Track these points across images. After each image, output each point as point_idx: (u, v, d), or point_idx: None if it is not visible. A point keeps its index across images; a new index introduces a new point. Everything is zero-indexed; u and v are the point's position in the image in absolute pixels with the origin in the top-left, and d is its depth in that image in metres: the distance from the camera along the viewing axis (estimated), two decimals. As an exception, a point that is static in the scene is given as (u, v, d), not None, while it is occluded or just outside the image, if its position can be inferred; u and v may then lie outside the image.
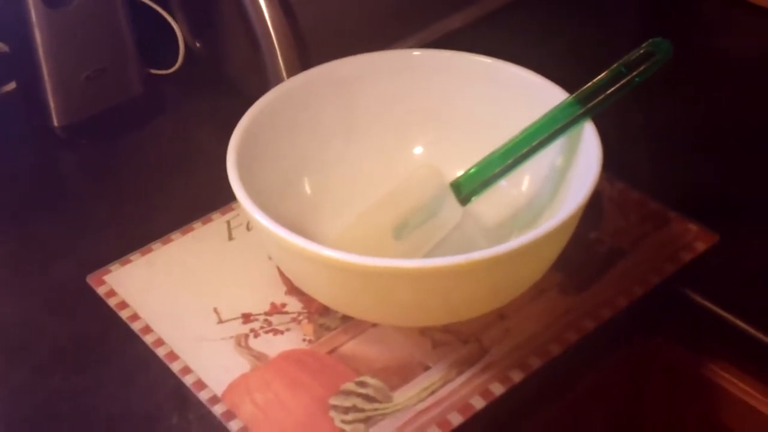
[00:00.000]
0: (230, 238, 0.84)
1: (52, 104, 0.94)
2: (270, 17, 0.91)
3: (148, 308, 0.78)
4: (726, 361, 0.81)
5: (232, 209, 0.86)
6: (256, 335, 0.75)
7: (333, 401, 0.70)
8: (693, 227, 0.83)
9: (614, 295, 0.78)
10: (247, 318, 0.77)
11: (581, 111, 0.75)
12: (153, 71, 1.03)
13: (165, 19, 1.04)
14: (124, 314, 0.77)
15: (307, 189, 0.83)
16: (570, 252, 0.73)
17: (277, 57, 0.92)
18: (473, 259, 0.64)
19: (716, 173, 0.90)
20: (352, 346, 0.74)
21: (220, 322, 0.76)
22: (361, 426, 0.69)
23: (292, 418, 0.69)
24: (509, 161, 0.76)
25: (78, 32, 0.93)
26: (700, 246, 0.81)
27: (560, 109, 0.75)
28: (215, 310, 0.77)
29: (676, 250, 0.81)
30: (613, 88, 0.75)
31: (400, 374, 0.72)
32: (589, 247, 0.81)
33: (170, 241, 0.84)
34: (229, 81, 1.01)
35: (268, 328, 0.76)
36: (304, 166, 0.83)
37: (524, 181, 0.81)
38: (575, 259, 0.78)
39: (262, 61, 0.93)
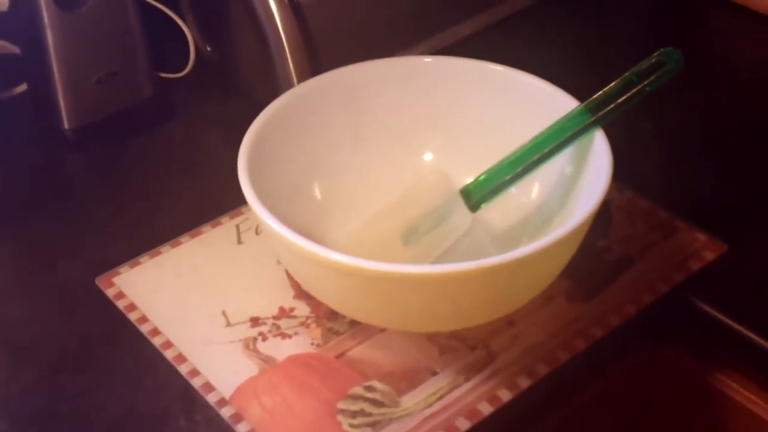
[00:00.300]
0: (239, 241, 0.84)
1: (62, 106, 0.94)
2: (281, 22, 0.91)
3: (157, 310, 0.78)
4: (733, 370, 0.81)
5: (241, 213, 0.86)
6: (265, 339, 0.75)
7: (340, 405, 0.70)
8: (701, 237, 0.83)
9: (622, 303, 0.78)
10: (255, 321, 0.77)
11: (591, 120, 0.75)
12: (163, 75, 1.04)
13: (176, 23, 1.05)
14: (132, 316, 0.77)
15: (317, 194, 0.83)
16: (578, 260, 0.73)
17: (287, 62, 0.92)
18: (482, 266, 0.65)
19: (725, 182, 0.90)
20: (360, 351, 0.74)
21: (229, 325, 0.77)
22: (368, 430, 0.69)
23: (299, 422, 0.69)
24: (519, 169, 0.76)
25: (89, 35, 0.93)
26: (708, 255, 0.81)
27: (570, 117, 0.76)
28: (224, 314, 0.77)
29: (684, 259, 0.81)
30: (623, 98, 0.75)
31: (407, 379, 0.72)
32: (598, 255, 0.81)
33: (179, 244, 0.84)
34: (239, 85, 1.01)
35: (277, 332, 0.76)
36: (314, 171, 0.83)
37: (534, 188, 0.81)
38: (584, 266, 0.78)
39: (272, 66, 0.93)
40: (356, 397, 0.71)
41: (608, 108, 0.75)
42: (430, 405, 0.70)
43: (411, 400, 0.71)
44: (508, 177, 0.76)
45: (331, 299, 0.74)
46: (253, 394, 0.71)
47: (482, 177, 0.77)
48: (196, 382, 0.72)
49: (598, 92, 0.76)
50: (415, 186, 0.81)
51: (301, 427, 0.69)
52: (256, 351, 0.74)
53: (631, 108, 0.75)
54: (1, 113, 1.00)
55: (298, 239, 0.66)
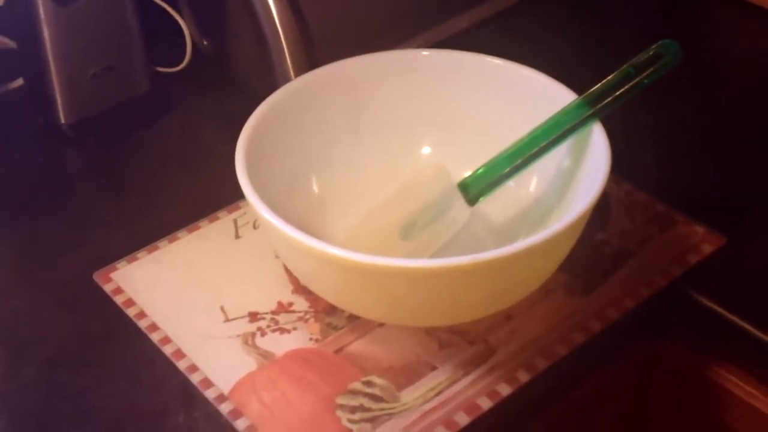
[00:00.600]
0: (237, 236, 0.84)
1: (59, 101, 0.94)
2: (278, 15, 0.91)
3: (155, 306, 0.78)
4: (732, 363, 0.81)
5: (239, 207, 0.86)
6: (263, 334, 0.75)
7: (340, 400, 0.70)
8: (700, 229, 0.83)
9: (621, 296, 0.78)
10: (253, 317, 0.77)
11: (590, 112, 0.75)
12: (160, 69, 1.03)
13: (172, 17, 1.04)
14: (130, 312, 0.77)
15: (315, 188, 0.83)
16: (577, 253, 0.73)
17: (284, 56, 0.92)
18: (480, 260, 0.65)
19: (723, 175, 0.90)
20: (358, 346, 0.74)
21: (227, 320, 0.77)
22: (367, 425, 0.69)
23: (298, 417, 0.69)
24: (517, 162, 0.76)
25: (86, 29, 0.93)
26: (707, 248, 0.81)
27: (569, 110, 0.75)
28: (222, 309, 0.77)
29: (682, 252, 0.81)
30: (621, 90, 0.75)
31: (406, 374, 0.72)
32: (596, 248, 0.81)
33: (177, 239, 0.84)
34: (236, 79, 1.01)
35: (275, 327, 0.76)
36: (312, 165, 0.83)
37: (532, 182, 0.81)
38: (582, 260, 0.78)
39: (269, 60, 0.93)
40: (355, 393, 0.71)
41: (606, 101, 0.75)
42: (429, 400, 0.70)
43: (410, 395, 0.71)
44: (506, 170, 0.76)
45: (329, 294, 0.74)
46: (252, 390, 0.71)
47: (480, 170, 0.77)
48: (194, 378, 0.72)
49: (596, 85, 0.76)
50: (413, 179, 0.81)
51: (301, 422, 0.69)
52: (254, 346, 0.74)
53: (629, 100, 0.75)
54: (-2, 108, 1.00)
55: (296, 233, 0.66)
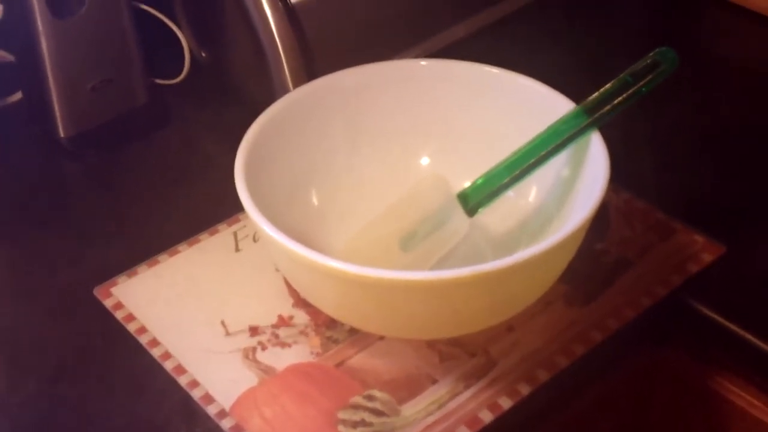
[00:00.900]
0: (237, 249, 0.84)
1: (57, 114, 0.94)
2: (276, 27, 0.91)
3: (155, 320, 0.78)
4: (733, 373, 0.81)
5: (239, 220, 0.86)
6: (264, 348, 0.75)
7: (341, 415, 0.70)
8: (699, 238, 0.82)
9: (621, 306, 0.78)
10: (254, 331, 0.77)
11: (588, 121, 0.75)
12: (158, 81, 1.03)
13: (170, 29, 1.04)
14: (131, 327, 0.77)
15: (314, 200, 0.83)
16: (576, 263, 0.73)
17: (283, 67, 0.92)
18: (480, 272, 0.64)
19: (722, 183, 0.90)
20: (359, 359, 0.74)
21: (228, 334, 0.76)
22: (369, 440, 0.69)
23: (300, 432, 0.69)
24: (516, 172, 0.76)
25: (84, 42, 0.93)
26: (707, 257, 0.81)
27: (567, 119, 0.75)
28: (222, 323, 0.77)
29: (682, 261, 0.81)
30: (619, 99, 0.75)
31: (407, 387, 0.72)
32: (596, 258, 0.81)
33: (177, 252, 0.84)
34: (235, 91, 1.01)
35: (276, 341, 0.76)
36: (311, 176, 0.83)
37: (531, 191, 0.81)
38: (581, 270, 0.78)
39: (267, 71, 0.93)
40: (357, 407, 0.71)
41: (604, 109, 0.75)
42: (430, 413, 0.70)
43: (411, 409, 0.70)
44: (506, 180, 0.76)
45: (329, 307, 0.74)
46: (253, 405, 0.71)
47: (479, 181, 0.77)
48: (195, 394, 0.72)
49: (593, 93, 0.76)
50: (412, 190, 0.81)
51: (302, 437, 0.69)
52: (255, 361, 0.74)
53: (627, 109, 0.75)
54: (-3, 121, 1.00)
55: (295, 246, 0.66)
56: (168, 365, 0.74)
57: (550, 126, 0.76)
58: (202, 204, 0.89)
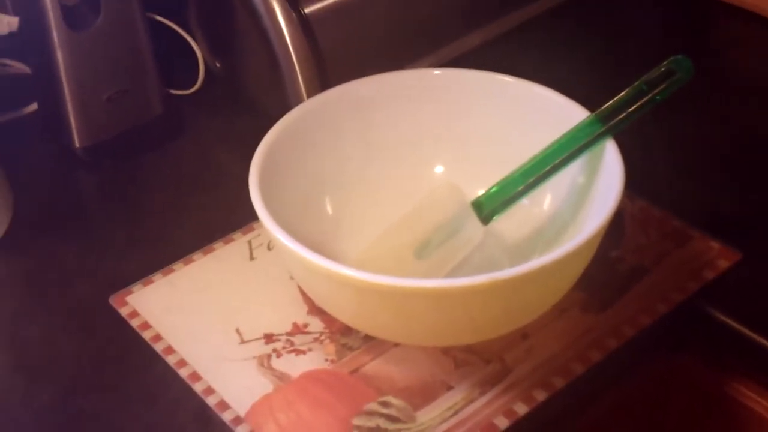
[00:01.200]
0: (251, 257, 0.84)
1: (73, 125, 0.94)
2: (290, 37, 0.91)
3: (171, 329, 0.78)
4: (749, 379, 0.81)
5: (253, 229, 0.86)
6: (279, 355, 0.75)
7: (356, 422, 0.70)
8: (715, 245, 0.82)
9: (637, 313, 0.77)
10: (269, 338, 0.77)
11: (602, 129, 0.75)
12: (173, 91, 1.04)
13: (185, 40, 1.05)
14: (146, 335, 0.77)
15: (328, 208, 0.83)
16: (592, 270, 0.73)
17: (297, 77, 0.92)
18: (495, 279, 0.64)
19: (738, 190, 0.90)
20: (374, 366, 0.74)
21: (243, 342, 0.77)
22: (384, 446, 0.69)
23: (315, 439, 0.69)
24: (531, 180, 0.76)
25: (99, 54, 0.93)
26: (723, 264, 0.81)
27: (581, 127, 0.75)
28: (237, 331, 0.77)
29: (698, 267, 0.81)
30: (633, 107, 0.75)
31: (422, 394, 0.72)
32: (611, 265, 0.81)
33: (192, 261, 0.84)
34: (249, 101, 1.01)
35: (291, 348, 0.76)
36: (325, 185, 0.83)
37: (546, 199, 0.81)
38: (597, 277, 0.78)
39: (282, 81, 0.93)
40: (372, 413, 0.71)
41: (619, 117, 0.75)
42: (446, 420, 0.70)
43: (427, 415, 0.70)
44: (520, 188, 0.76)
45: (344, 315, 0.74)
46: (268, 412, 0.71)
47: (494, 189, 0.77)
48: (211, 401, 0.72)
49: (608, 101, 0.76)
50: (427, 198, 0.81)
51: (317, 444, 0.69)
52: (270, 368, 0.74)
53: (642, 117, 0.75)
54: (13, 133, 1.00)
55: (310, 255, 0.66)
56: (183, 372, 0.74)
57: (565, 134, 0.76)
58: (217, 213, 0.89)
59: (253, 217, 0.71)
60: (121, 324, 0.79)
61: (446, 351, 0.75)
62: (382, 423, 0.70)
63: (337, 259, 0.68)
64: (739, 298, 0.79)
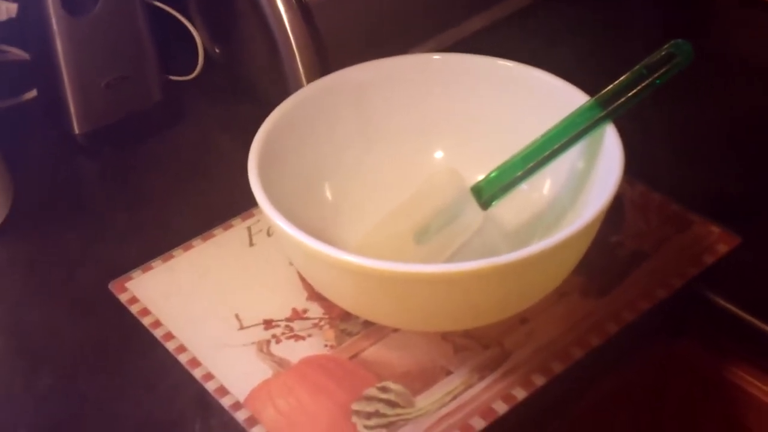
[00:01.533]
0: (251, 243, 0.84)
1: (72, 112, 0.94)
2: (289, 22, 0.91)
3: (170, 315, 0.78)
4: (749, 364, 0.81)
5: (253, 215, 0.86)
6: (278, 341, 0.75)
7: (355, 407, 0.70)
8: (715, 229, 0.82)
9: (636, 298, 0.77)
10: (268, 324, 0.77)
11: (602, 114, 0.75)
12: (173, 78, 1.04)
13: (184, 26, 1.05)
14: (146, 321, 0.77)
15: (328, 194, 0.83)
16: (591, 255, 0.73)
17: (296, 62, 0.92)
18: (494, 264, 0.64)
19: (738, 174, 0.89)
20: (373, 352, 0.74)
21: (242, 328, 0.77)
22: (383, 431, 0.69)
23: (314, 424, 0.69)
24: (530, 165, 0.76)
25: (98, 40, 0.93)
26: (723, 248, 0.81)
27: (581, 112, 0.75)
28: (237, 317, 0.77)
29: (698, 252, 0.81)
30: (634, 91, 0.75)
31: (422, 379, 0.72)
32: (611, 250, 0.81)
33: (191, 247, 0.84)
34: (249, 87, 1.01)
35: (290, 334, 0.76)
36: (325, 171, 0.83)
37: (545, 184, 0.81)
38: (597, 262, 0.78)
39: (281, 67, 0.93)
40: (371, 398, 0.71)
41: (619, 102, 0.75)
42: (445, 404, 0.70)
43: (426, 400, 0.70)
44: (520, 173, 0.76)
45: (344, 300, 0.74)
46: (267, 397, 0.71)
47: (493, 174, 0.77)
48: (210, 386, 0.72)
49: (608, 86, 0.75)
50: (426, 184, 0.81)
51: (316, 429, 0.69)
52: (269, 354, 0.74)
53: (642, 101, 0.75)
54: (12, 119, 1.00)
55: (310, 241, 0.66)
56: (182, 358, 0.74)
57: (564, 118, 0.76)
58: (216, 199, 0.89)
59: (252, 203, 0.71)
60: (121, 310, 0.79)
61: (445, 336, 0.75)
62: (382, 408, 0.70)
63: (337, 244, 0.68)
64: (739, 282, 0.79)
